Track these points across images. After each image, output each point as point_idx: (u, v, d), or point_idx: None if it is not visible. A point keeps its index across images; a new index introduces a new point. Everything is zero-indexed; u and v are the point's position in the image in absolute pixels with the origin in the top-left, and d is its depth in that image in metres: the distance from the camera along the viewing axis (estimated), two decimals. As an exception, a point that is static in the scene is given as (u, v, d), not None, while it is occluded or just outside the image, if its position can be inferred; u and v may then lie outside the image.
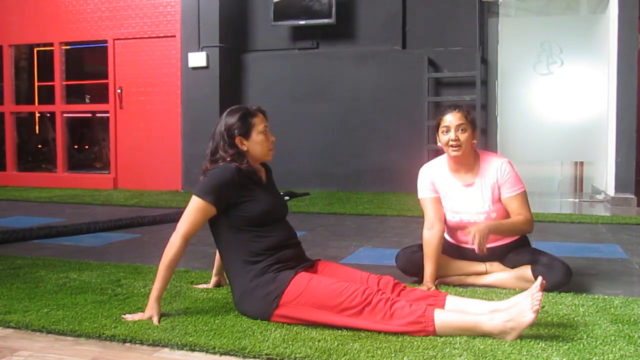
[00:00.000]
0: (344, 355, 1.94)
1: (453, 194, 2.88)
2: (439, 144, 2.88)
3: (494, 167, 2.84)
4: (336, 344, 2.04)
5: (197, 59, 7.53)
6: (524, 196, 2.83)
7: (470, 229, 2.63)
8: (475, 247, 2.59)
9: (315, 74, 7.67)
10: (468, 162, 2.86)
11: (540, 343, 2.03)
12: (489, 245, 2.87)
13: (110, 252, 3.86)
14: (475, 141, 2.85)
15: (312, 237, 4.39)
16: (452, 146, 2.78)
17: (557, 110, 6.77)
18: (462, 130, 2.78)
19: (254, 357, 1.98)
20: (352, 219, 5.34)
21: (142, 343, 2.12)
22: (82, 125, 9.45)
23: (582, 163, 7.52)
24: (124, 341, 2.14)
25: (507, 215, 2.83)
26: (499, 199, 2.83)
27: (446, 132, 2.80)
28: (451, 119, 2.79)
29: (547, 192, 7.30)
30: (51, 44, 8.45)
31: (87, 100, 8.96)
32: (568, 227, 4.81)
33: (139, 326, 2.24)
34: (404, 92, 7.33)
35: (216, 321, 2.30)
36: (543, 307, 2.40)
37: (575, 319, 2.32)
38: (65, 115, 8.55)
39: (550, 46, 6.73)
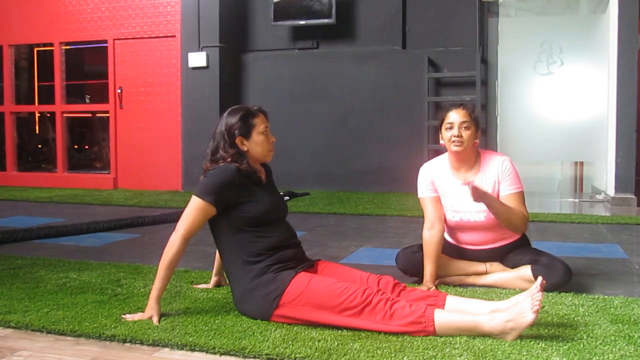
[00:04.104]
0: (344, 355, 1.94)
1: (453, 193, 2.88)
2: (441, 141, 2.88)
3: (495, 164, 2.84)
4: (336, 344, 2.04)
5: (197, 59, 7.53)
6: (522, 196, 2.84)
7: (473, 185, 2.59)
8: (470, 190, 2.58)
9: (315, 74, 7.67)
10: (469, 159, 2.86)
11: (540, 343, 2.03)
12: (488, 246, 2.89)
13: (110, 252, 3.86)
14: (477, 140, 2.86)
15: (312, 237, 4.39)
16: (454, 142, 2.79)
17: (557, 110, 6.77)
18: (465, 127, 2.79)
19: (254, 357, 1.98)
20: (352, 219, 5.34)
21: (142, 343, 2.12)
22: (82, 125, 9.45)
23: (582, 163, 7.52)
24: (124, 341, 2.13)
25: None
26: (498, 197, 2.83)
27: (449, 128, 2.81)
28: (455, 116, 2.80)
29: (547, 192, 7.30)
30: (51, 44, 8.45)
31: (87, 100, 8.97)
32: (568, 227, 4.81)
33: (139, 326, 2.23)
34: (404, 92, 7.33)
35: (216, 321, 2.30)
36: (543, 307, 2.40)
37: (575, 319, 2.32)
38: (65, 115, 8.55)
39: (550, 46, 6.74)
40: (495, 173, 2.83)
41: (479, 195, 2.62)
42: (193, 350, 2.05)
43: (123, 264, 3.39)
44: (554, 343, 2.03)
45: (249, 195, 2.41)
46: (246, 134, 2.44)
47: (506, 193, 2.81)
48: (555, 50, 6.73)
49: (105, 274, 3.12)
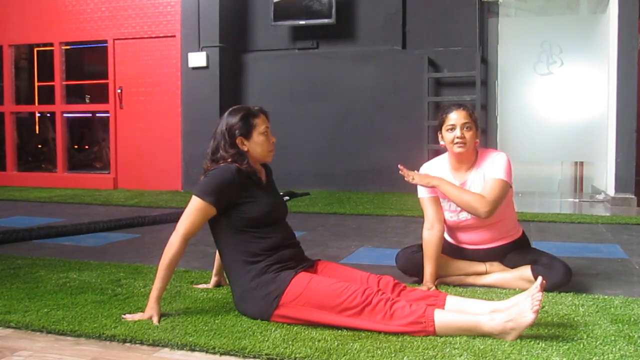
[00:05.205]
0: (344, 355, 1.94)
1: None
2: (441, 142, 2.88)
3: (490, 159, 2.83)
4: (336, 344, 2.04)
5: (197, 59, 7.53)
6: (502, 186, 2.70)
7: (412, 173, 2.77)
8: (406, 174, 2.75)
9: (315, 74, 7.67)
10: (470, 159, 2.86)
11: (540, 343, 2.03)
12: (488, 246, 2.89)
13: (110, 252, 3.86)
14: (478, 140, 2.86)
15: (312, 237, 4.39)
16: (457, 143, 2.78)
17: (557, 110, 6.77)
18: (467, 128, 2.78)
19: (254, 357, 1.98)
20: (352, 219, 5.34)
21: (142, 343, 2.12)
22: (82, 125, 9.45)
23: (582, 163, 7.52)
24: (124, 341, 2.13)
25: (504, 209, 2.81)
26: None
27: (451, 130, 2.80)
28: (456, 117, 2.79)
29: (547, 192, 7.29)
30: (51, 44, 8.45)
31: (87, 100, 8.97)
32: (568, 227, 4.81)
33: (139, 326, 2.24)
34: (404, 92, 7.33)
35: (216, 321, 2.30)
36: (543, 307, 2.40)
37: (575, 319, 2.32)
38: (65, 115, 8.55)
39: (550, 46, 6.74)
40: (488, 166, 2.81)
41: (420, 179, 2.76)
42: (193, 350, 2.05)
43: (123, 264, 3.39)
44: (554, 343, 2.03)
45: (249, 195, 2.41)
46: (247, 134, 2.44)
47: (488, 177, 2.75)
48: (555, 50, 6.73)
49: (105, 274, 3.12)
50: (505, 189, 2.73)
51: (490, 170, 2.77)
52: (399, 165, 2.80)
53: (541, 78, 6.80)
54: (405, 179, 2.79)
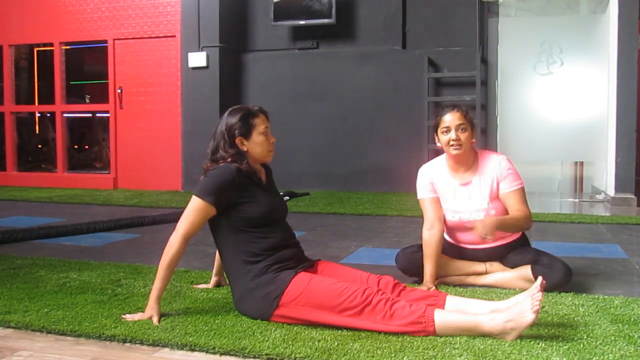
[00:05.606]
0: (344, 355, 1.94)
1: (452, 194, 2.88)
2: (438, 144, 2.88)
3: (493, 163, 2.84)
4: (336, 344, 2.04)
5: (197, 59, 7.54)
6: (523, 192, 2.83)
7: (476, 224, 2.61)
8: (482, 235, 2.59)
9: (315, 74, 7.68)
10: (467, 160, 2.86)
11: (540, 343, 2.03)
12: (488, 245, 2.89)
13: (110, 252, 3.86)
14: (474, 140, 2.86)
15: (312, 237, 4.39)
16: (452, 146, 2.79)
17: (557, 110, 6.78)
18: (462, 129, 2.79)
19: (254, 357, 1.98)
20: (352, 219, 5.34)
21: (142, 343, 2.12)
22: (82, 125, 9.45)
23: (582, 163, 7.52)
24: (124, 341, 2.13)
25: (505, 211, 2.82)
26: (497, 196, 2.82)
27: (446, 132, 2.80)
28: (451, 119, 2.79)
29: (547, 192, 7.30)
30: (51, 44, 8.46)
31: (87, 100, 8.97)
32: (568, 227, 4.81)
33: (139, 326, 2.24)
34: (404, 92, 7.33)
35: (216, 321, 2.30)
36: (543, 307, 2.40)
37: (575, 319, 2.32)
38: (65, 115, 8.56)
39: (550, 46, 6.74)
40: (494, 173, 2.82)
41: (488, 229, 2.59)
42: (193, 350, 2.05)
43: (123, 264, 3.39)
44: (554, 343, 2.03)
45: (249, 195, 2.41)
46: (246, 134, 2.44)
47: (507, 190, 2.80)
48: (555, 50, 6.73)
49: (105, 274, 3.12)
50: (524, 191, 2.85)
51: (505, 183, 2.80)
52: (467, 225, 2.77)
53: (541, 78, 6.80)
54: (478, 236, 2.68)
